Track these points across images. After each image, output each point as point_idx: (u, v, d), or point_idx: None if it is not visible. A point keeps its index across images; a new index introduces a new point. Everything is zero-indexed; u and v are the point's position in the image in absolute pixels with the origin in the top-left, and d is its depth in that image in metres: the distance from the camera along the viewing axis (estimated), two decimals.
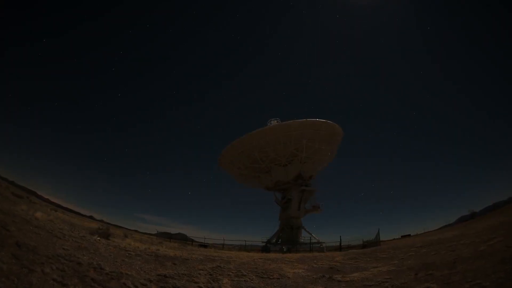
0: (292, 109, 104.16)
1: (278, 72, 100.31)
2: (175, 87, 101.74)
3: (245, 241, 31.83)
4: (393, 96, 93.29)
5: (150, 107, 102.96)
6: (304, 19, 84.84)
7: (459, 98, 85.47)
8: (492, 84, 78.07)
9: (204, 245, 30.44)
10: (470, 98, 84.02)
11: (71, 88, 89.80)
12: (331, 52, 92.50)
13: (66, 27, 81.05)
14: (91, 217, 51.59)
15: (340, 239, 27.59)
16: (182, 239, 36.32)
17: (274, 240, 33.28)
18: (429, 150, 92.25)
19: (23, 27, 72.86)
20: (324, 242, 30.73)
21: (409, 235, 31.59)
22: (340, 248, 26.61)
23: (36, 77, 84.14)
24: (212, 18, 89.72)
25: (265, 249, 30.13)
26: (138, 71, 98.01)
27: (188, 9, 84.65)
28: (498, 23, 68.21)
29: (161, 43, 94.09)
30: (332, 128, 32.55)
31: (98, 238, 10.56)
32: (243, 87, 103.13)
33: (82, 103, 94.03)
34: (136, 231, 46.62)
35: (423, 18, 75.56)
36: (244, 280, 7.03)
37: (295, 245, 29.52)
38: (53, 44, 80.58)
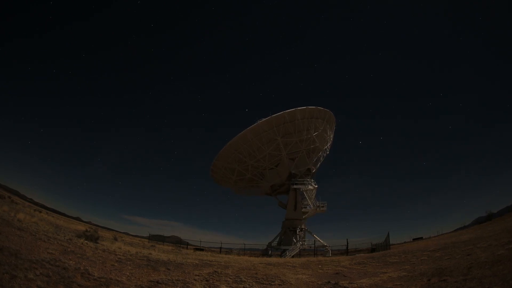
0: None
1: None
2: (170, 87, 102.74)
3: (245, 244, 32.13)
4: (405, 96, 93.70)
5: (142, 106, 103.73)
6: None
7: (477, 97, 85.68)
8: (510, 83, 78.18)
9: (200, 249, 30.68)
10: (488, 97, 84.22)
11: (59, 84, 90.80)
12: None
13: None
14: (78, 219, 51.98)
15: (347, 243, 27.79)
16: (176, 242, 36.58)
17: (275, 243, 33.45)
18: (445, 149, 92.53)
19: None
20: (328, 245, 30.88)
21: (421, 238, 31.80)
22: (347, 252, 26.80)
23: (23, 73, 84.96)
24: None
25: (266, 253, 30.37)
26: (132, 70, 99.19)
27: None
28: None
29: (160, 45, 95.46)
30: (294, 113, 30.65)
31: (86, 241, 10.61)
32: (238, 87, 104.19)
33: (70, 100, 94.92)
34: (126, 233, 47.11)
35: (422, 18, 75.71)
36: (243, 287, 7.09)
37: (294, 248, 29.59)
38: (42, 40, 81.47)
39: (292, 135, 30.99)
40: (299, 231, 32.05)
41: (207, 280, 7.42)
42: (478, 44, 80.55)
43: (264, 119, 30.04)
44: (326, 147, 35.22)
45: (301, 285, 7.73)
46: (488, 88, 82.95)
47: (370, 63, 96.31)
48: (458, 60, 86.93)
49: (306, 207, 32.71)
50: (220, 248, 31.96)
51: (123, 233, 45.30)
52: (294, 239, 30.66)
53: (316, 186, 32.99)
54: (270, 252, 30.29)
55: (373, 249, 25.76)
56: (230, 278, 8.05)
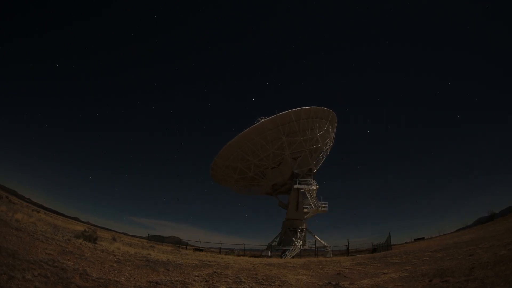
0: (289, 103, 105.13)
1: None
2: (170, 87, 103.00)
3: (244, 244, 32.17)
4: (407, 95, 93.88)
5: (142, 106, 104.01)
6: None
7: (480, 96, 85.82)
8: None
9: (200, 249, 30.74)
10: (493, 96, 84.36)
11: (59, 84, 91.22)
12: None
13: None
14: (76, 219, 52.10)
15: (348, 243, 27.79)
16: (176, 242, 36.66)
17: (275, 244, 33.49)
18: (446, 149, 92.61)
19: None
20: (329, 246, 30.87)
21: (423, 239, 31.83)
22: (347, 252, 26.82)
23: (23, 73, 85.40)
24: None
25: (266, 253, 30.42)
26: (132, 70, 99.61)
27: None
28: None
29: (161, 45, 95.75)
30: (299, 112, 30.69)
31: (84, 242, 10.61)
32: (237, 86, 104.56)
33: (70, 100, 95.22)
34: (125, 234, 47.21)
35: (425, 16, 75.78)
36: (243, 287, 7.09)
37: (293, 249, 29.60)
38: (42, 40, 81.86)
39: (296, 134, 31.11)
40: (299, 231, 32.04)
41: (206, 281, 7.42)
42: (481, 46, 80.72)
43: (267, 118, 30.14)
44: (328, 147, 35.30)
45: (302, 285, 7.74)
46: (489, 88, 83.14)
47: (370, 61, 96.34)
48: (458, 60, 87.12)
49: (307, 207, 32.67)
50: (220, 248, 31.99)
51: (122, 233, 45.40)
52: (294, 239, 30.68)
53: (317, 186, 33.04)
54: (270, 253, 30.30)
55: (374, 250, 25.78)
56: (230, 278, 8.06)
